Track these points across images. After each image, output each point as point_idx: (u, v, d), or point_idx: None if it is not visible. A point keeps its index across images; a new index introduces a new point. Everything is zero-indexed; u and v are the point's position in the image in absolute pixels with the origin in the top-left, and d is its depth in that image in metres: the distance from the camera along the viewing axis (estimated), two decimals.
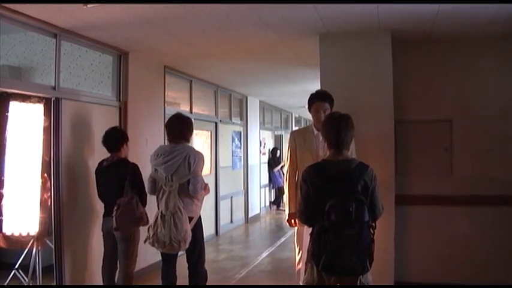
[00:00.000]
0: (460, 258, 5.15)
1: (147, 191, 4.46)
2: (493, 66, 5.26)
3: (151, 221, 4.29)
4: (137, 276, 5.88)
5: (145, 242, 4.28)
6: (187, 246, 4.15)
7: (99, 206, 5.33)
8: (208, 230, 7.79)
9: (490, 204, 5.12)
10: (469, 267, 5.09)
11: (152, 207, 4.44)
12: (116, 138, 4.64)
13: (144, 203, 4.59)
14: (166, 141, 4.63)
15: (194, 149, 4.42)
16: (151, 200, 4.50)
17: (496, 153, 5.18)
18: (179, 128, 4.32)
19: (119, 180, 4.43)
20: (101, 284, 4.75)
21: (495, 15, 4.42)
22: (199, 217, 4.37)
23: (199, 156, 4.29)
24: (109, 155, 4.65)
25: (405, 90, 5.24)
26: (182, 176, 4.16)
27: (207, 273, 4.46)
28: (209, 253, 6.58)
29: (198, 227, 4.33)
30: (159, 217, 4.15)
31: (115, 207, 4.37)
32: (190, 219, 4.21)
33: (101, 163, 4.69)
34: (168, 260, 4.36)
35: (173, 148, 4.24)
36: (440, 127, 5.34)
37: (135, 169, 4.57)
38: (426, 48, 5.37)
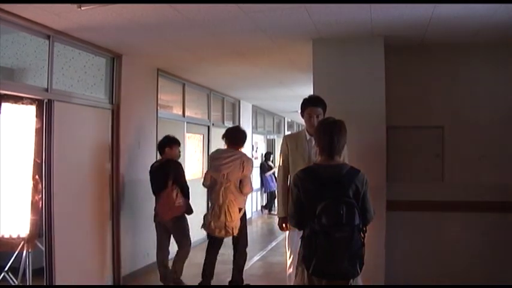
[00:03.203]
0: (451, 264, 5.18)
1: (203, 184, 5.42)
2: (485, 74, 5.31)
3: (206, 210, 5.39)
4: (132, 279, 5.90)
5: (201, 227, 5.23)
6: (236, 232, 5.14)
7: (91, 208, 5.34)
8: (199, 233, 7.77)
9: (481, 210, 5.16)
10: (459, 272, 5.12)
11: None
12: (160, 143, 5.68)
13: (185, 195, 5.46)
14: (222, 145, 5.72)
15: (247, 156, 5.43)
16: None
17: (487, 160, 5.22)
18: (240, 138, 5.45)
19: (164, 176, 5.36)
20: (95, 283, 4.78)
21: (487, 23, 4.47)
22: (244, 210, 5.37)
23: (250, 161, 5.37)
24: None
25: (397, 96, 5.28)
26: (237, 175, 5.14)
27: (247, 255, 5.53)
28: (200, 257, 6.57)
29: (243, 218, 5.29)
30: (216, 207, 5.07)
31: (156, 198, 5.40)
32: (240, 210, 5.19)
33: (153, 164, 5.68)
34: (216, 244, 5.35)
35: (232, 152, 5.28)
36: (431, 133, 5.37)
37: (177, 166, 5.54)
38: (419, 54, 5.41)
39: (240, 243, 5.39)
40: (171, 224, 5.40)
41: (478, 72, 5.32)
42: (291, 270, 4.17)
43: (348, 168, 3.01)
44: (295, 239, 4.01)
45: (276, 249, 7.94)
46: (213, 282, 6.02)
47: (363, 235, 2.89)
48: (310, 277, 2.90)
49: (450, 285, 5.05)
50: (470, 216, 5.19)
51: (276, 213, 7.51)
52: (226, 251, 7.70)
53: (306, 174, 3.03)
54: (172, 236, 5.55)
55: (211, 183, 5.21)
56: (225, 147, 5.44)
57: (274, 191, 11.38)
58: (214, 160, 5.29)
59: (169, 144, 5.60)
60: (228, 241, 8.03)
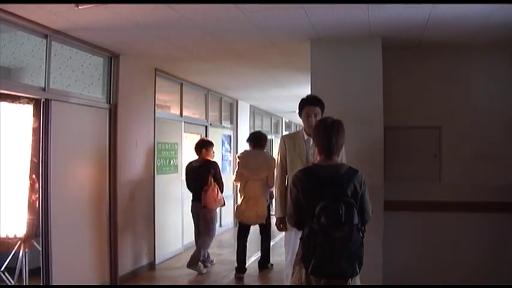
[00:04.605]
0: (448, 264, 5.19)
1: (234, 180, 6.41)
2: (482, 74, 5.33)
3: (239, 202, 6.24)
4: (129, 279, 5.87)
5: (234, 216, 6.55)
6: (264, 220, 6.11)
7: (88, 208, 5.33)
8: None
9: (478, 210, 5.17)
10: (457, 272, 5.14)
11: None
12: (198, 145, 6.70)
13: (222, 190, 6.51)
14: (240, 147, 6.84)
15: (270, 155, 6.60)
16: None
17: (484, 160, 5.23)
18: (263, 140, 6.44)
19: (204, 174, 6.36)
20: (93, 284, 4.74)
21: (484, 23, 4.48)
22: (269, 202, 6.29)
23: (273, 160, 5.91)
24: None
25: (395, 97, 5.29)
26: (263, 172, 5.91)
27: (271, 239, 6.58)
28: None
29: (268, 208, 6.20)
30: (248, 199, 6.01)
31: (203, 192, 6.28)
32: (266, 201, 6.09)
33: (191, 163, 6.67)
34: (246, 230, 6.34)
35: (257, 152, 6.26)
36: (429, 133, 5.38)
37: (216, 166, 6.66)
38: (416, 55, 5.42)
39: (267, 228, 6.37)
40: (207, 214, 6.40)
41: (475, 72, 5.34)
42: (288, 270, 4.16)
43: (347, 168, 3.01)
44: (292, 239, 4.01)
45: (274, 249, 7.90)
46: (209, 282, 6.04)
47: (361, 235, 2.89)
48: (308, 276, 2.90)
49: (448, 285, 5.06)
50: (468, 217, 5.20)
51: (273, 213, 7.57)
52: (223, 251, 7.71)
53: (305, 174, 3.03)
54: (202, 227, 6.45)
55: (242, 179, 6.12)
56: (250, 148, 6.42)
57: (272, 191, 11.37)
58: (244, 160, 6.22)
59: (205, 146, 6.66)
60: (223, 240, 8.14)
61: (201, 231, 6.48)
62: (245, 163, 6.15)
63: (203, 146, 6.67)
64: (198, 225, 6.56)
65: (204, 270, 6.46)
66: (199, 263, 6.45)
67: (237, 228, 6.80)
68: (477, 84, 5.34)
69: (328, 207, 2.80)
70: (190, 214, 6.67)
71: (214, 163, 6.70)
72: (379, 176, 4.95)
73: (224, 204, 6.69)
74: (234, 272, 6.27)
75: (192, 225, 6.72)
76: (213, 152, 6.86)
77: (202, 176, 6.38)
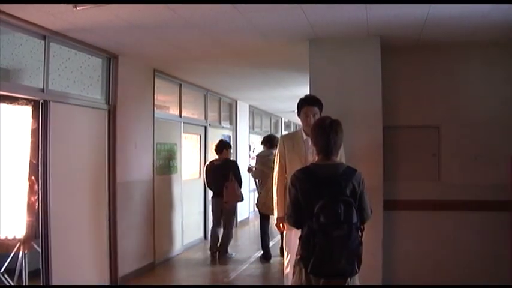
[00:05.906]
0: (448, 263, 5.20)
1: (254, 176, 7.76)
2: (481, 73, 5.33)
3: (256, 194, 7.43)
4: (129, 279, 5.87)
5: (256, 206, 7.00)
6: None
7: (87, 209, 5.33)
8: (196, 233, 7.79)
9: (477, 209, 5.18)
10: (456, 271, 5.14)
11: None
12: (219, 146, 7.50)
13: (241, 187, 7.38)
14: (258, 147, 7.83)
15: None
16: None
17: (483, 159, 5.23)
18: (274, 141, 7.19)
19: (225, 172, 7.20)
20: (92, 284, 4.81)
21: (482, 23, 4.48)
22: None
23: None
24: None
25: (394, 96, 5.29)
26: None
27: None
28: (198, 257, 6.62)
29: None
30: (267, 192, 6.19)
31: (224, 189, 7.14)
32: None
33: (212, 162, 7.56)
34: (267, 218, 7.08)
35: (270, 152, 7.10)
36: (428, 133, 5.39)
37: (236, 165, 7.61)
38: (415, 54, 5.42)
39: None
40: (229, 208, 7.25)
41: (474, 72, 5.34)
42: (288, 270, 4.17)
43: (345, 167, 3.02)
44: (292, 238, 4.01)
45: (273, 249, 7.90)
46: (209, 282, 6.05)
47: (360, 234, 2.90)
48: (307, 276, 2.90)
49: (447, 285, 5.06)
50: (467, 215, 5.21)
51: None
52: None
53: (304, 174, 3.03)
54: (224, 219, 7.29)
55: (263, 175, 7.01)
56: (265, 149, 7.50)
57: None
58: (262, 158, 7.27)
59: (226, 147, 7.52)
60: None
61: (224, 225, 7.29)
62: (264, 161, 7.11)
63: (224, 146, 7.51)
64: (216, 219, 7.33)
65: (234, 254, 7.41)
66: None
67: (238, 228, 6.90)
68: (475, 83, 5.34)
69: (327, 206, 2.80)
70: (211, 209, 7.49)
71: (235, 162, 7.74)
72: (378, 175, 4.95)
73: (242, 199, 7.51)
74: (232, 272, 6.31)
75: (192, 225, 6.83)
76: (231, 152, 7.75)
77: (224, 174, 7.18)
